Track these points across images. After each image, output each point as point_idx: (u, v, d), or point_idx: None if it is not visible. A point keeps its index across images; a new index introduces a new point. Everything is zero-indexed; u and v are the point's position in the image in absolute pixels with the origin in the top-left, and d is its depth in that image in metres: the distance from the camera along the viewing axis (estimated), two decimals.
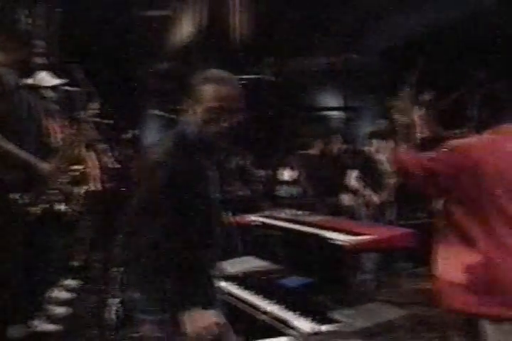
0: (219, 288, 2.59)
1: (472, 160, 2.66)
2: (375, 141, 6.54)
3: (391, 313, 2.75)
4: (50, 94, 4.08)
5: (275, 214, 3.79)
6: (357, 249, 2.80)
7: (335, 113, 9.83)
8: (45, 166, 3.57)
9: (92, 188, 4.44)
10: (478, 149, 2.73)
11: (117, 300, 4.15)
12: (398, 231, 3.02)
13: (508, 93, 2.86)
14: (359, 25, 8.92)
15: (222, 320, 2.20)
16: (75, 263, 5.12)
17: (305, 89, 9.32)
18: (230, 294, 3.20)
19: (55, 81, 4.15)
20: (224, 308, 2.51)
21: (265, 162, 7.18)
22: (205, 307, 2.20)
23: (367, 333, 2.45)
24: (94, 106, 3.83)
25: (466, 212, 2.66)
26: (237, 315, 3.00)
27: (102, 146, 4.64)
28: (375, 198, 6.32)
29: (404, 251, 3.96)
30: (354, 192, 6.37)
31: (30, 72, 3.77)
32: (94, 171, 4.47)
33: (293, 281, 3.27)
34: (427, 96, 4.22)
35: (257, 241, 3.77)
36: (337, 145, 6.23)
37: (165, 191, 2.20)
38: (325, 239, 2.94)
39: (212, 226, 2.36)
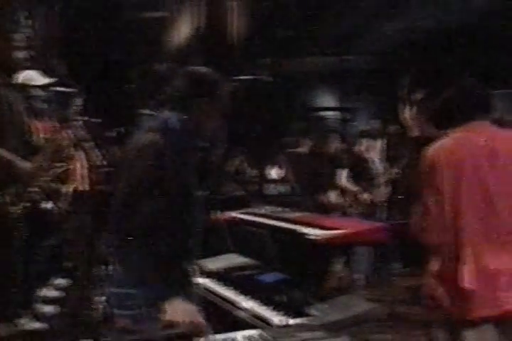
0: (196, 283, 2.62)
1: (450, 160, 2.70)
2: (364, 140, 6.58)
3: (363, 307, 2.75)
4: (39, 92, 4.12)
5: (256, 210, 3.83)
6: (328, 243, 2.82)
7: (330, 113, 9.87)
8: (26, 165, 3.60)
9: (80, 187, 4.45)
10: (453, 149, 2.78)
11: (103, 297, 4.18)
12: (371, 225, 3.05)
13: (477, 90, 2.91)
14: (355, 26, 8.95)
15: (199, 314, 2.19)
16: (67, 263, 5.14)
17: (302, 89, 9.34)
18: (208, 290, 3.23)
19: (45, 80, 4.19)
20: (200, 303, 2.51)
21: (260, 162, 7.23)
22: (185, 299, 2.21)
23: (334, 326, 2.46)
24: (78, 103, 3.87)
25: (443, 211, 2.69)
26: (214, 310, 3.03)
27: (90, 145, 4.66)
28: (366, 197, 6.35)
29: (377, 244, 3.97)
30: (344, 190, 6.40)
31: (12, 69, 3.81)
32: (83, 170, 4.48)
33: (270, 277, 3.29)
34: (418, 96, 4.24)
35: (240, 238, 3.79)
36: (334, 144, 6.25)
37: (148, 177, 2.24)
38: (299, 234, 2.96)
39: (192, 219, 2.38)
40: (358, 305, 2.77)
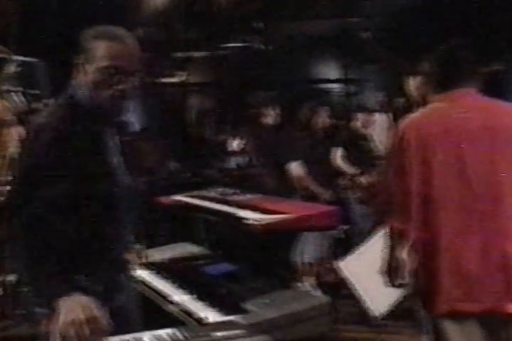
0: (129, 275, 2.55)
1: (420, 136, 2.64)
2: (360, 115, 6.46)
3: (307, 303, 2.68)
4: None
5: (204, 193, 3.77)
6: (268, 229, 2.75)
7: (333, 85, 9.75)
8: None
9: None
10: (424, 122, 2.71)
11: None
12: (319, 209, 2.98)
13: (464, 52, 2.80)
14: None
15: (100, 313, 2.07)
16: None
17: (297, 58, 9.21)
18: (144, 282, 3.17)
19: None
20: (132, 297, 2.50)
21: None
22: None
23: (263, 324, 2.40)
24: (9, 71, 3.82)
25: (422, 193, 2.63)
26: (147, 304, 2.98)
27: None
28: (363, 180, 6.24)
29: (325, 230, 3.93)
30: (339, 172, 6.31)
31: None
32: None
33: (217, 269, 3.24)
34: (425, 66, 4.14)
35: (187, 225, 3.75)
36: (322, 118, 6.15)
37: (51, 158, 2.15)
38: (238, 219, 2.89)
39: (113, 202, 2.31)
40: (303, 301, 2.71)
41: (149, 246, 3.54)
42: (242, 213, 2.95)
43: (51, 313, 2.04)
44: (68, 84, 2.31)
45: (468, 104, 2.67)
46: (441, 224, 2.59)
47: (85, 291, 2.11)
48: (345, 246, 6.25)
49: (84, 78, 2.25)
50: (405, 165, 2.67)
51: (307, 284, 5.56)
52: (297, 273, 5.53)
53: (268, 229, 2.76)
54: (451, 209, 2.58)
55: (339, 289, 5.97)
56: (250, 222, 2.82)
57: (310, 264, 5.69)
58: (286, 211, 2.90)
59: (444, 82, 2.75)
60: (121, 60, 2.21)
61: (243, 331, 2.24)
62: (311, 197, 5.44)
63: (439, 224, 2.59)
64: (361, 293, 3.90)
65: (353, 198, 6.31)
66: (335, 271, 6.31)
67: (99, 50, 2.21)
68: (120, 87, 2.22)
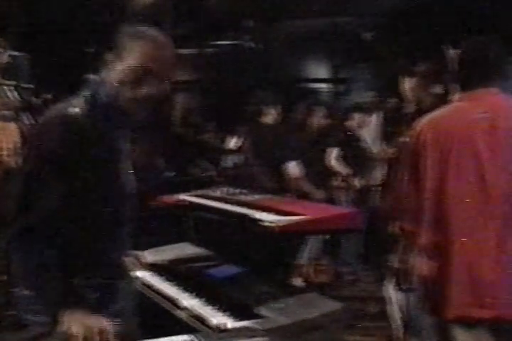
0: (131, 279, 2.51)
1: (438, 136, 2.59)
2: (357, 115, 6.43)
3: (325, 308, 2.61)
4: None
5: (209, 192, 3.68)
6: (285, 231, 2.67)
7: (321, 84, 9.71)
8: None
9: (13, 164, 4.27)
10: (442, 122, 2.65)
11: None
12: (339, 211, 2.91)
13: (487, 50, 2.73)
14: None
15: (108, 326, 1.99)
16: None
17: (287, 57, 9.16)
18: (147, 285, 3.07)
19: None
20: (133, 302, 2.42)
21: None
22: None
23: (282, 331, 2.32)
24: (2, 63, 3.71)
25: (436, 195, 2.58)
26: (152, 309, 2.89)
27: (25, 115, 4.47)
28: (356, 183, 6.22)
29: (344, 233, 3.87)
30: (333, 172, 6.26)
31: None
32: (14, 144, 4.29)
33: (223, 271, 3.15)
34: (422, 67, 4.11)
35: (190, 225, 3.66)
36: (318, 118, 6.11)
37: (62, 155, 2.06)
38: (253, 220, 2.81)
39: (116, 208, 2.23)
40: (320, 306, 2.64)
41: (146, 247, 3.45)
42: (257, 214, 2.86)
43: (47, 323, 2.00)
44: (89, 80, 2.21)
45: (489, 104, 2.61)
46: (455, 227, 2.54)
47: (86, 302, 2.09)
48: (331, 247, 6.25)
49: (111, 76, 2.16)
50: (419, 166, 2.63)
51: (297, 285, 5.51)
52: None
53: (285, 231, 2.68)
54: (466, 212, 2.53)
55: (327, 290, 5.96)
56: (266, 223, 2.72)
57: (300, 265, 5.65)
58: (303, 212, 2.82)
59: (467, 81, 2.69)
60: (155, 62, 2.13)
61: (264, 338, 2.15)
62: (305, 197, 5.37)
63: (453, 227, 2.54)
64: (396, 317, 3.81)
65: (345, 199, 6.27)
66: (324, 272, 6.31)
67: (134, 49, 2.12)
68: (148, 90, 2.13)
